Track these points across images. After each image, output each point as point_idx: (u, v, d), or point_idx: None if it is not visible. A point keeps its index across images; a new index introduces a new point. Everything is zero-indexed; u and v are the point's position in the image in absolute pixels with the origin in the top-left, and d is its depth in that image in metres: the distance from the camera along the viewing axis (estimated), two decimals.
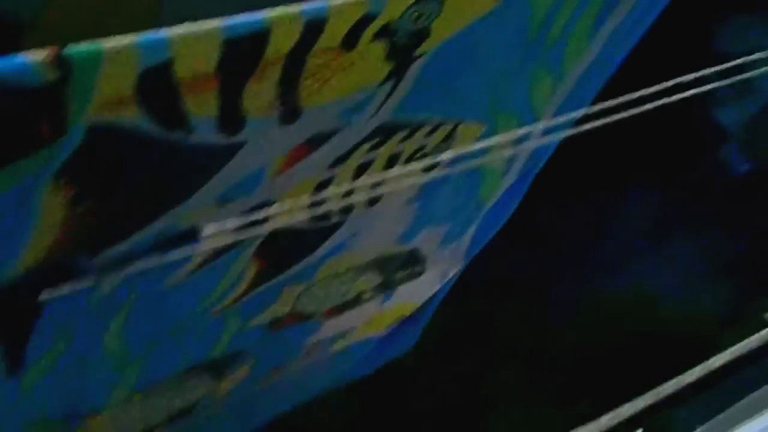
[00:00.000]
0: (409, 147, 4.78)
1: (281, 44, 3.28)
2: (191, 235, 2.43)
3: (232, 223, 2.46)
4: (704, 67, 3.98)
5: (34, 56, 2.48)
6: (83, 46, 2.61)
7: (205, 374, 5.78)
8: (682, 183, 12.88)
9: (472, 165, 3.88)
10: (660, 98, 3.45)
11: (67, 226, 3.34)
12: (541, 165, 6.26)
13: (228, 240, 2.63)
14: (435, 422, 10.66)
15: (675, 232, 13.75)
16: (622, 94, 3.81)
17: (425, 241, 6.29)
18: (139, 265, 2.40)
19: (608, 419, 2.17)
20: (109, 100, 3.04)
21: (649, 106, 3.35)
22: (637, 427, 10.26)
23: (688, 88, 3.54)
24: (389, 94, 4.42)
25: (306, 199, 2.97)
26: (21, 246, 3.21)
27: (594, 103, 4.22)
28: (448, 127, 4.84)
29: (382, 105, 4.45)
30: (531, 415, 12.25)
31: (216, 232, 2.40)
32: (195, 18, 2.94)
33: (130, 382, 5.29)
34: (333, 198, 3.97)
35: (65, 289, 2.26)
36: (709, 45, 10.93)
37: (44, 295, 2.23)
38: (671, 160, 12.51)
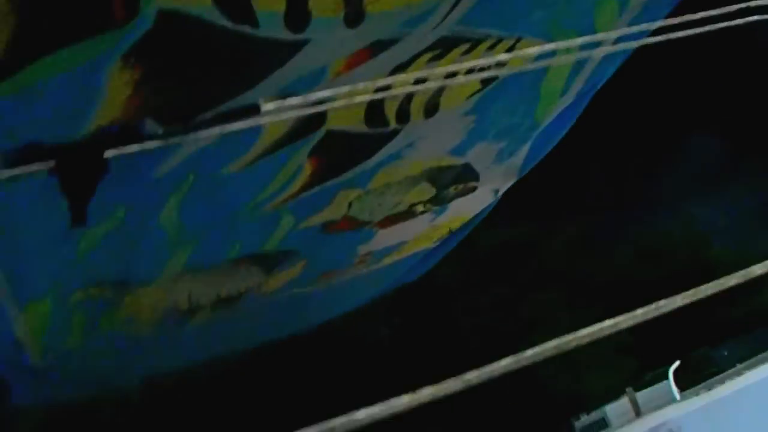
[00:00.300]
0: (469, 61, 4.81)
1: None
2: (253, 110, 2.50)
3: (293, 100, 2.53)
4: None
5: None
6: None
7: (256, 266, 5.95)
8: (745, 130, 12.78)
9: (537, 66, 3.91)
10: (730, 20, 3.45)
11: (133, 102, 3.48)
12: (597, 88, 6.28)
13: (287, 116, 2.70)
14: (476, 339, 10.80)
15: (732, 175, 13.67)
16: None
17: (479, 155, 6.35)
18: (202, 134, 2.49)
19: (644, 312, 2.21)
20: None
21: (720, 24, 3.35)
22: (675, 360, 10.33)
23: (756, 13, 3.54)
24: (453, 6, 4.46)
25: (368, 88, 3.03)
26: (88, 114, 3.36)
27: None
28: (508, 43, 4.88)
29: (445, 17, 4.51)
30: None
31: (276, 107, 2.47)
32: None
33: (181, 261, 5.48)
34: (393, 92, 4.02)
35: (130, 149, 2.36)
36: None
37: (110, 153, 2.34)
38: (737, 108, 12.42)
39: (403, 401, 2.02)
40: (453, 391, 2.03)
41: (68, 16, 2.86)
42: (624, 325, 2.28)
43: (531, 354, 2.14)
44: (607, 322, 2.23)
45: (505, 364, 2.11)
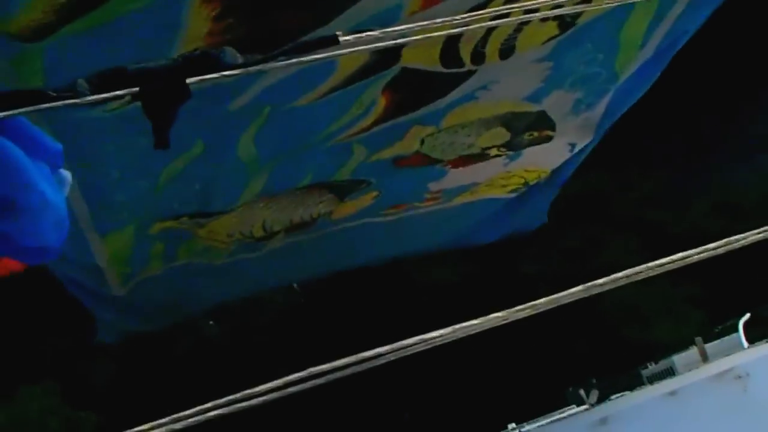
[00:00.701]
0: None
1: None
2: (332, 42, 2.53)
3: (370, 33, 2.56)
4: None
5: None
6: None
7: (329, 193, 6.06)
8: None
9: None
10: None
11: (211, 36, 3.56)
12: (678, 47, 6.20)
13: (365, 48, 2.73)
14: (544, 287, 10.80)
15: None
16: None
17: (555, 104, 6.29)
18: (281, 64, 2.53)
19: (715, 246, 2.22)
20: None
21: None
22: (745, 312, 10.24)
23: None
24: None
25: (444, 26, 3.04)
26: (171, 45, 3.44)
27: None
28: None
29: None
30: (642, 292, 12.29)
31: (354, 39, 2.50)
32: None
33: (257, 188, 5.61)
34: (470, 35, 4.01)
35: (210, 77, 2.42)
36: None
37: (191, 79, 2.40)
38: None
39: (473, 324, 2.06)
40: (522, 317, 2.07)
41: None
42: (695, 259, 2.29)
43: (602, 282, 2.16)
44: (678, 255, 2.25)
45: (576, 291, 2.14)
